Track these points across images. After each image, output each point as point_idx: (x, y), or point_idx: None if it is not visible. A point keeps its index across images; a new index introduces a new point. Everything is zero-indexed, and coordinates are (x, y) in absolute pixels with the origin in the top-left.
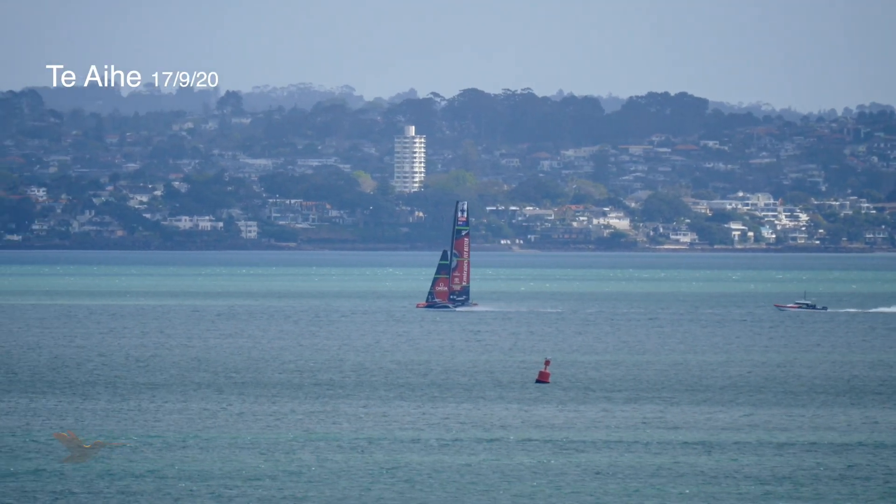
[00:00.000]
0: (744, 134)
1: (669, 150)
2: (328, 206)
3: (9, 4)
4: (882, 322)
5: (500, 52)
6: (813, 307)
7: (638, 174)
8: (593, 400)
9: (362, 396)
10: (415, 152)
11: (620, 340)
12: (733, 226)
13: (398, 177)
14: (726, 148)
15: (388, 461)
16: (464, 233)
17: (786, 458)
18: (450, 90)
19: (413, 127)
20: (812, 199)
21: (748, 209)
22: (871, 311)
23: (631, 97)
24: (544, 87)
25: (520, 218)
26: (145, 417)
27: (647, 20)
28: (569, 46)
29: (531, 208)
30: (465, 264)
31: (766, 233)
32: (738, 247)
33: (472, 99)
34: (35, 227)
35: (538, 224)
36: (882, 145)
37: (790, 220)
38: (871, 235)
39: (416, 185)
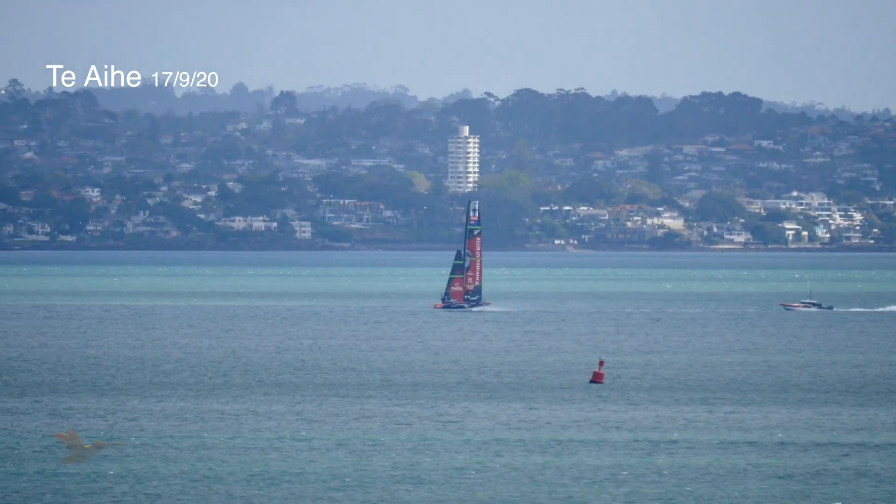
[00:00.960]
0: (798, 133)
1: (723, 149)
2: (382, 207)
3: (9, 4)
4: None
5: (553, 52)
6: (819, 306)
7: (692, 174)
8: (656, 402)
9: (430, 397)
10: (468, 152)
11: (681, 341)
12: (787, 225)
13: (452, 177)
14: (780, 147)
15: (443, 462)
16: (476, 232)
17: (860, 458)
18: (503, 90)
19: (467, 127)
20: (866, 198)
21: (802, 209)
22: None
23: (685, 97)
24: (598, 87)
25: (574, 218)
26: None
27: (701, 20)
28: (622, 46)
29: (585, 208)
30: (478, 263)
31: (821, 232)
32: (793, 246)
33: (525, 99)
34: (89, 227)
35: (592, 224)
36: None
37: (844, 220)
38: None
39: (471, 185)
